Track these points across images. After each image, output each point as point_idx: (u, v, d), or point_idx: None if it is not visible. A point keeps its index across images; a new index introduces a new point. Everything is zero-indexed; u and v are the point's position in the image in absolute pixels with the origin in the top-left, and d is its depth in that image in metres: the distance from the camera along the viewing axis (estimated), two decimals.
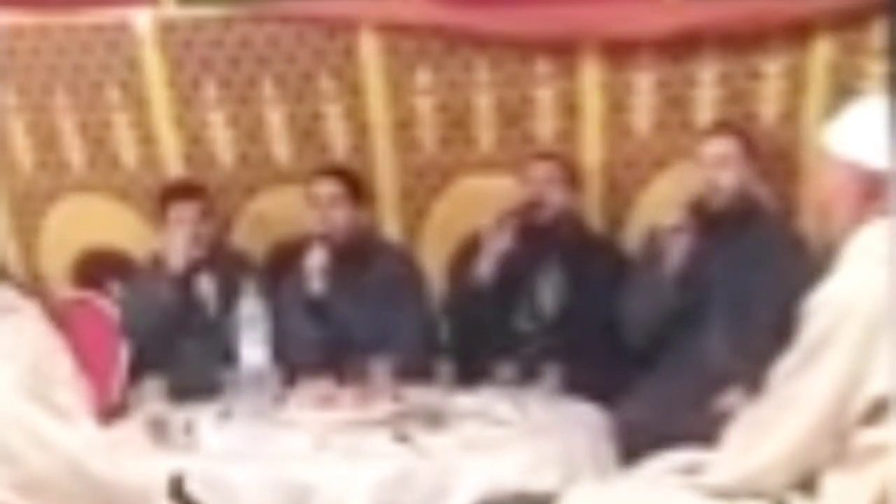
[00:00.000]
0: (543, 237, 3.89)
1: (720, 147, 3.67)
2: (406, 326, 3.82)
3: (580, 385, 3.42)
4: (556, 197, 3.91)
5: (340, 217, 3.92)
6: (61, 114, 4.38)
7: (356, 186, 4.01)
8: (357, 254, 3.92)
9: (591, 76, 4.05)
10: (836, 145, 2.34)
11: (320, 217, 3.93)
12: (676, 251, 3.56)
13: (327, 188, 3.95)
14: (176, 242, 3.93)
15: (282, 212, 4.38)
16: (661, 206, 3.87)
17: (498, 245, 3.82)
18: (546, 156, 4.02)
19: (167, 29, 4.19)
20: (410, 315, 3.87)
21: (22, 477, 2.19)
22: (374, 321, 3.81)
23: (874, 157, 2.25)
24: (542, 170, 3.95)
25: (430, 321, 3.93)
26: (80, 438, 2.24)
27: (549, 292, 3.87)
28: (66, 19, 4.21)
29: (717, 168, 3.64)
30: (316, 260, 3.83)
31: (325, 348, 3.77)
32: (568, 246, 3.90)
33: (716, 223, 3.59)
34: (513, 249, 3.82)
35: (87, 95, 4.34)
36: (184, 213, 3.98)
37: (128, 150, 4.42)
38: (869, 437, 2.16)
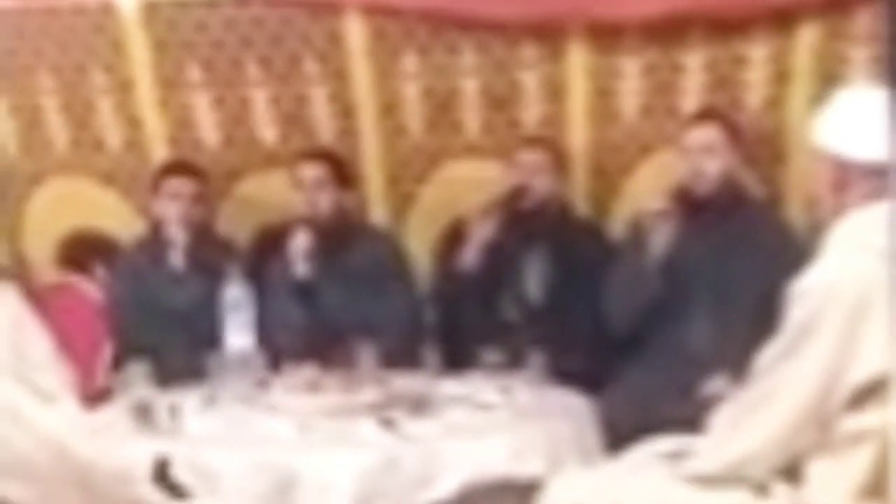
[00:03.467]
0: (529, 223, 3.88)
1: (705, 134, 3.65)
2: (392, 312, 3.80)
3: (566, 372, 3.41)
4: (542, 183, 3.90)
5: (325, 200, 3.91)
6: (45, 96, 4.35)
7: (341, 170, 4.00)
8: (342, 238, 3.90)
9: (577, 60, 4.03)
10: (816, 135, 2.37)
11: (305, 200, 3.91)
12: (661, 238, 3.54)
13: (312, 171, 3.93)
14: (170, 216, 3.91)
15: (267, 195, 4.36)
16: (647, 191, 3.86)
17: (484, 232, 3.80)
18: (533, 141, 4.01)
19: (151, 11, 4.16)
20: (397, 300, 3.85)
21: (4, 458, 2.18)
22: (359, 306, 3.79)
23: (850, 146, 2.28)
24: (529, 156, 3.93)
25: (417, 307, 3.94)
26: (62, 420, 2.22)
27: (534, 279, 3.87)
28: (48, 1, 4.18)
29: (702, 155, 3.62)
30: (299, 243, 3.81)
31: (310, 333, 3.74)
32: (554, 232, 3.89)
33: (701, 210, 3.59)
34: (499, 237, 3.81)
35: (70, 78, 4.31)
36: (179, 188, 3.97)
37: (112, 133, 4.40)
38: (853, 423, 2.17)
